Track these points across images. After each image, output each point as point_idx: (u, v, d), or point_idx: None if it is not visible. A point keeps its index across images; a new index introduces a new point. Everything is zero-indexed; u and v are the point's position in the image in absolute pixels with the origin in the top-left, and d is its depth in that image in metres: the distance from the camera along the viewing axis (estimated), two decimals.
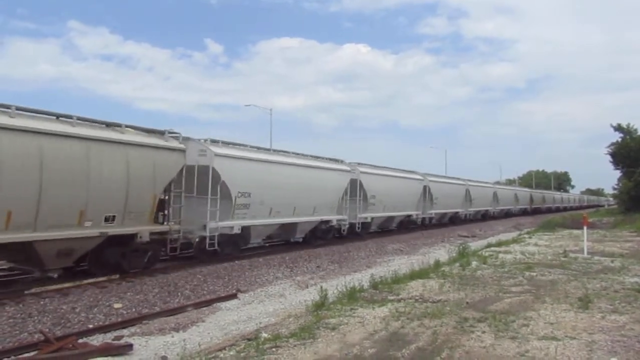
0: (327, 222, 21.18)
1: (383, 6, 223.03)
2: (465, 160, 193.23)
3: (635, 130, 50.16)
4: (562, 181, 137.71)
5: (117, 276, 12.44)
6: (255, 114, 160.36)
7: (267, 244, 19.91)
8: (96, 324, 8.95)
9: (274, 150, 19.08)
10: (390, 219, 27.91)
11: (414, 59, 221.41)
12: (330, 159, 22.30)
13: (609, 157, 52.05)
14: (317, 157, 21.31)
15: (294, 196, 18.09)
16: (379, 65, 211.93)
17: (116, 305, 9.99)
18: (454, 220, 38.35)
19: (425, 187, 31.92)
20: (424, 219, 32.03)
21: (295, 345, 6.25)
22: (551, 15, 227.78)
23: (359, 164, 24.66)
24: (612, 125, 51.53)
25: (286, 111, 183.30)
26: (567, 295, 9.28)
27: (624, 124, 50.89)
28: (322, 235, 21.38)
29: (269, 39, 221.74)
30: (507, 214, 52.43)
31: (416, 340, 6.42)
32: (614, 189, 67.98)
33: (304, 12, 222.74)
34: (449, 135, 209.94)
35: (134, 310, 9.93)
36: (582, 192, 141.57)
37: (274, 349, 6.12)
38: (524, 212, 59.79)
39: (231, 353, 6.17)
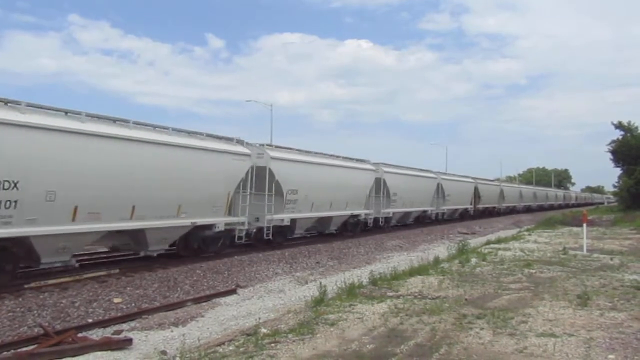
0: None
1: (385, 2, 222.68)
2: (466, 157, 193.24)
3: (636, 128, 50.20)
4: (562, 178, 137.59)
5: (117, 271, 12.46)
6: (256, 109, 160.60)
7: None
8: (96, 318, 8.96)
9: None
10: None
11: (416, 55, 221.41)
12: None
13: (609, 155, 52.10)
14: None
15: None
16: (380, 61, 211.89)
17: (116, 300, 10.01)
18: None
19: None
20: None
21: (294, 341, 6.27)
22: (554, 11, 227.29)
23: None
24: (613, 123, 51.62)
25: (287, 107, 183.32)
26: (566, 292, 9.30)
27: (625, 122, 50.92)
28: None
29: (270, 34, 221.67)
30: (512, 211, 53.59)
31: (415, 337, 6.44)
32: (614, 186, 68.10)
33: (306, 7, 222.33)
34: (450, 131, 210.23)
35: (133, 304, 9.94)
36: (583, 190, 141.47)
37: (273, 345, 6.13)
38: (528, 209, 60.84)
39: (230, 348, 6.18)
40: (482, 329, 6.79)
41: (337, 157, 22.91)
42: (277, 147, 18.93)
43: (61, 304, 9.41)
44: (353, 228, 23.99)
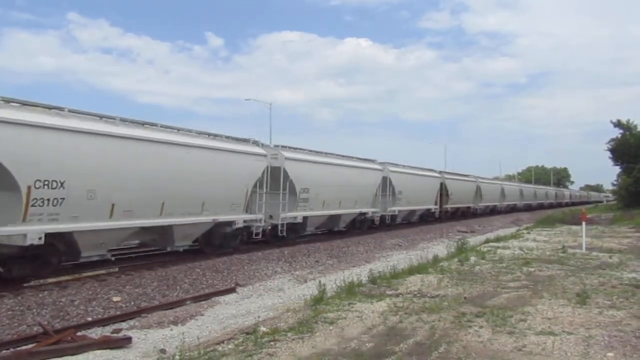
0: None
1: (385, 0, 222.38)
2: (466, 155, 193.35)
3: (635, 126, 50.24)
4: (561, 177, 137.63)
5: (116, 269, 12.45)
6: (255, 108, 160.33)
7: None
8: (95, 317, 8.97)
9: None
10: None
11: (416, 54, 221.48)
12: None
13: (608, 153, 52.14)
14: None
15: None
16: (380, 60, 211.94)
17: (115, 299, 10.01)
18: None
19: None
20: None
21: (293, 339, 6.27)
22: (554, 10, 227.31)
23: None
24: (612, 122, 51.67)
25: (287, 105, 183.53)
26: (565, 290, 9.31)
27: (623, 120, 50.97)
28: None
29: (269, 33, 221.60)
30: (512, 209, 53.65)
31: (414, 335, 6.44)
32: (613, 185, 68.23)
33: (305, 5, 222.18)
34: (450, 130, 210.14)
35: (132, 303, 9.94)
36: (582, 188, 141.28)
37: (272, 343, 6.13)
38: (528, 208, 60.55)
39: (230, 347, 6.18)
40: (481, 327, 6.80)
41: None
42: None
43: (60, 302, 9.40)
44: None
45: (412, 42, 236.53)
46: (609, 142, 51.89)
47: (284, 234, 17.93)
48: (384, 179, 26.20)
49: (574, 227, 24.68)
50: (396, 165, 28.83)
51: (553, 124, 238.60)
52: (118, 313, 9.23)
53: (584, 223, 17.22)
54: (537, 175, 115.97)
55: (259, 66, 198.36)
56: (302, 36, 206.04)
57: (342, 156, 23.29)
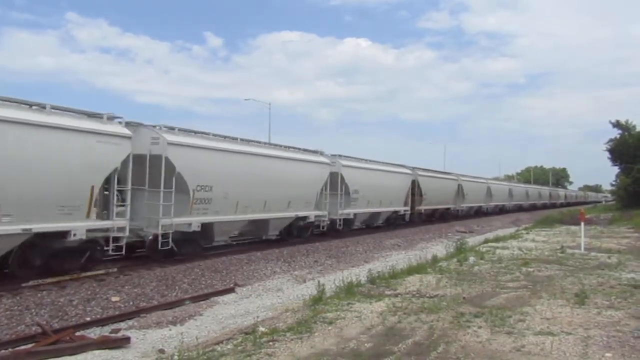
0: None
1: (384, 0, 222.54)
2: (465, 156, 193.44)
3: (634, 126, 50.35)
4: (560, 177, 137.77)
5: (115, 269, 12.45)
6: (254, 108, 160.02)
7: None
8: (94, 317, 8.95)
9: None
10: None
11: (415, 54, 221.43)
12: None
13: (607, 154, 52.21)
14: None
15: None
16: (380, 60, 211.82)
17: (114, 299, 10.00)
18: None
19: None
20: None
21: (292, 339, 6.27)
22: (553, 10, 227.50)
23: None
24: (611, 122, 51.75)
25: (286, 105, 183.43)
26: (564, 290, 9.32)
27: (622, 121, 51.05)
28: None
29: (269, 33, 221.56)
30: (501, 211, 51.30)
31: (413, 335, 6.45)
32: (612, 185, 68.30)
33: (305, 5, 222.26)
34: (449, 130, 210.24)
35: (131, 303, 9.93)
36: (580, 188, 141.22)
37: (271, 343, 6.13)
38: (519, 209, 58.65)
39: (228, 347, 6.18)
40: (480, 327, 6.81)
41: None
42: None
43: (59, 302, 9.40)
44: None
45: (411, 42, 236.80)
46: (607, 142, 52.03)
47: (171, 246, 13.78)
48: (334, 174, 21.83)
49: (573, 228, 24.69)
50: (351, 158, 24.60)
51: (552, 124, 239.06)
52: (117, 313, 9.21)
53: (582, 223, 17.23)
54: (536, 176, 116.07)
55: (259, 66, 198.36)
56: (302, 36, 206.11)
57: (272, 145, 19.88)
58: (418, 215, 31.21)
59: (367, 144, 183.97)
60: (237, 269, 13.61)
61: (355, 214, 23.49)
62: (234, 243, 18.71)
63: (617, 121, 51.24)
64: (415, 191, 30.21)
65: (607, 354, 5.78)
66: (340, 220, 22.19)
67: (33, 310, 8.89)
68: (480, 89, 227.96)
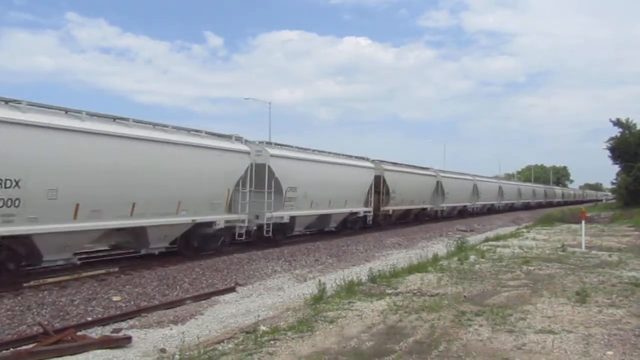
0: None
1: None
2: (465, 155, 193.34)
3: (635, 125, 50.30)
4: (560, 176, 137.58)
5: (116, 269, 12.46)
6: (254, 107, 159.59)
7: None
8: (95, 316, 8.96)
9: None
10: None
11: (415, 53, 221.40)
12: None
13: (608, 152, 52.15)
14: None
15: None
16: (379, 59, 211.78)
17: (115, 298, 10.01)
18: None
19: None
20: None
21: (293, 338, 6.27)
22: (553, 9, 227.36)
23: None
24: (611, 120, 51.71)
25: (286, 104, 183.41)
26: (565, 289, 9.32)
27: (623, 119, 51.01)
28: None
29: (268, 32, 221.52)
30: (489, 211, 47.18)
31: (414, 334, 6.45)
32: (613, 183, 68.23)
33: (304, 4, 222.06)
34: (449, 129, 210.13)
35: (132, 303, 9.94)
36: (581, 187, 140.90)
37: (272, 342, 6.13)
38: (510, 208, 54.09)
39: (230, 346, 6.18)
40: (481, 325, 6.81)
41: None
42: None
43: (60, 302, 9.40)
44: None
45: (411, 40, 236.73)
46: (608, 140, 51.96)
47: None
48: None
49: (574, 226, 24.69)
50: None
51: (553, 123, 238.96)
52: (118, 313, 9.22)
53: (583, 222, 17.23)
54: (536, 174, 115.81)
55: (258, 65, 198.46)
56: (302, 35, 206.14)
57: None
58: (385, 217, 27.10)
59: (367, 144, 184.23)
60: (238, 268, 13.62)
61: (292, 217, 18.80)
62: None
63: (618, 119, 51.23)
64: (381, 189, 26.15)
65: (609, 352, 5.78)
66: (265, 226, 17.21)
67: (34, 310, 8.89)
68: (480, 87, 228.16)
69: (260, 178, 16.88)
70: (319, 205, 20.25)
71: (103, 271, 12.12)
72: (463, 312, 7.47)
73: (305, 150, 20.53)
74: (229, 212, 15.72)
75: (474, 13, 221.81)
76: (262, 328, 6.88)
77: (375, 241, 21.23)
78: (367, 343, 6.10)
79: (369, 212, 24.56)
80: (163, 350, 6.82)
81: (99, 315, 9.01)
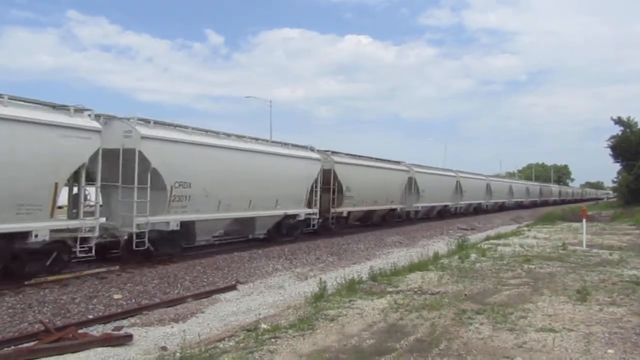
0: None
1: None
2: (466, 154, 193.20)
3: (636, 123, 50.17)
4: (561, 174, 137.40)
5: (117, 267, 12.47)
6: (255, 105, 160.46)
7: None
8: (96, 314, 8.97)
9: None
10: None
11: (416, 51, 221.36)
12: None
13: (609, 150, 52.08)
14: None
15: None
16: (380, 57, 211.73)
17: (116, 296, 10.02)
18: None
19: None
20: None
21: (294, 336, 6.28)
22: (554, 7, 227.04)
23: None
24: (612, 119, 51.59)
25: (287, 103, 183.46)
26: (565, 287, 9.32)
27: (624, 117, 50.91)
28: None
29: (269, 30, 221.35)
30: (476, 210, 43.36)
31: (414, 332, 6.45)
32: (614, 182, 68.12)
33: (305, 2, 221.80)
34: (450, 128, 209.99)
35: (133, 301, 9.95)
36: (582, 185, 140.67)
37: (273, 340, 6.14)
38: (500, 208, 51.66)
39: (231, 344, 6.19)
40: (481, 324, 6.81)
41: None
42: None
43: (61, 300, 9.42)
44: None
45: (412, 39, 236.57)
46: (609, 139, 51.87)
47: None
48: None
49: (575, 225, 24.68)
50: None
51: (554, 121, 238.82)
52: (119, 311, 9.22)
53: (584, 220, 17.23)
54: (537, 173, 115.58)
55: (259, 64, 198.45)
56: (303, 33, 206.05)
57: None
58: (337, 220, 22.61)
59: (368, 142, 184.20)
60: (239, 266, 13.63)
61: (176, 222, 13.78)
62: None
63: (619, 118, 51.11)
64: (331, 186, 21.73)
65: (610, 351, 5.78)
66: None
67: (35, 308, 8.91)
68: (480, 86, 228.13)
69: None
70: (232, 206, 15.56)
71: (104, 269, 12.13)
72: (464, 311, 7.48)
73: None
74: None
75: (475, 11, 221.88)
76: (263, 326, 6.89)
77: (376, 239, 21.23)
78: (367, 341, 6.10)
79: (314, 214, 20.04)
80: (164, 348, 6.83)
81: (100, 313, 9.02)
